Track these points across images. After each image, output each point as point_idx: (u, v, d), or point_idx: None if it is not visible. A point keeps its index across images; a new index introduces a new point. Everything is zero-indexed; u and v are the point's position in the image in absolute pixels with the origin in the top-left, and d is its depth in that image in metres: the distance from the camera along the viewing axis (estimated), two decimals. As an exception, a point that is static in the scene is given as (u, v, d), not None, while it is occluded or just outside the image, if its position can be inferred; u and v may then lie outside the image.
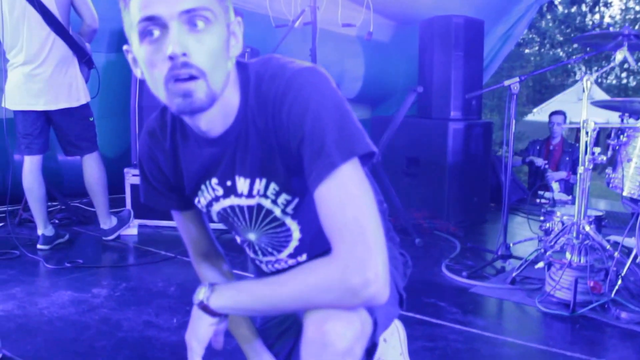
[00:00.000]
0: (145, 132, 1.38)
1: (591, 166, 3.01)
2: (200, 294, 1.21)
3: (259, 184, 1.25)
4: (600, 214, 3.49)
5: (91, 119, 3.78)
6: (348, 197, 1.09)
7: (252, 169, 1.24)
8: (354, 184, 1.10)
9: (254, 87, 1.19)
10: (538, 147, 6.53)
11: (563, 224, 3.31)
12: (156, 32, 1.07)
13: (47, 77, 3.50)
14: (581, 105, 3.03)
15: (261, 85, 1.18)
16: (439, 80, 4.97)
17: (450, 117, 4.88)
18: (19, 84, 3.51)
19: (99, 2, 3.73)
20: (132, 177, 4.34)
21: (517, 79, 3.46)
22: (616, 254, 2.84)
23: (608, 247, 2.92)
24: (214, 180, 1.30)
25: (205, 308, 1.20)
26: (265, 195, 1.27)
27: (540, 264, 3.05)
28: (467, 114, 4.99)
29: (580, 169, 3.01)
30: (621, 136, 3.06)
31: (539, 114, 12.55)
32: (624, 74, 19.69)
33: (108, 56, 4.96)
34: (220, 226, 1.49)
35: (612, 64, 3.16)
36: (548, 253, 3.00)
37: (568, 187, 5.87)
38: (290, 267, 1.38)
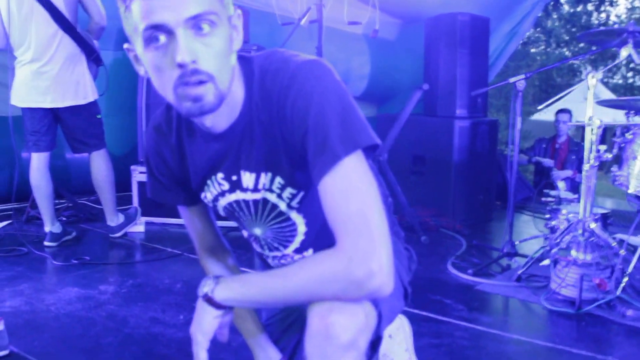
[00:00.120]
0: (151, 127, 1.38)
1: (596, 164, 3.00)
2: (205, 286, 1.21)
3: (264, 178, 1.26)
4: (606, 211, 3.48)
5: (99, 116, 3.78)
6: (352, 190, 1.10)
7: (257, 163, 1.25)
8: (357, 176, 1.11)
9: (258, 81, 1.20)
10: (544, 146, 6.51)
11: (569, 221, 3.30)
12: (162, 38, 1.06)
13: (54, 75, 3.51)
14: (587, 105, 3.02)
15: (265, 79, 1.19)
16: (445, 78, 4.96)
17: (456, 115, 4.88)
18: (26, 81, 3.52)
19: (106, 0, 3.74)
20: (139, 174, 4.35)
21: (523, 76, 3.45)
22: (622, 252, 2.84)
23: (614, 244, 2.91)
24: (220, 175, 1.31)
25: (210, 300, 1.20)
26: (270, 190, 1.27)
27: (546, 262, 3.05)
28: (473, 112, 4.98)
29: (586, 166, 3.00)
30: (627, 134, 3.05)
31: (545, 113, 12.50)
32: (630, 74, 19.64)
33: (115, 54, 4.97)
34: (228, 224, 1.50)
35: (617, 61, 3.15)
36: (554, 250, 3.00)
37: (574, 186, 5.85)
38: None
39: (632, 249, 2.97)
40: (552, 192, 3.86)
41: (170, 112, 1.34)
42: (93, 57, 3.70)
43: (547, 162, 6.29)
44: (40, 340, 2.33)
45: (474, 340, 2.47)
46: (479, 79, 4.99)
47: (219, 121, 1.21)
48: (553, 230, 3.48)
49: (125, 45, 1.18)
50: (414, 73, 6.12)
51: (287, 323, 1.61)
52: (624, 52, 2.98)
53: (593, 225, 2.96)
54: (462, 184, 4.82)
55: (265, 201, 1.30)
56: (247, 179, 1.28)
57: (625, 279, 2.76)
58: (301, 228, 1.36)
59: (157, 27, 1.05)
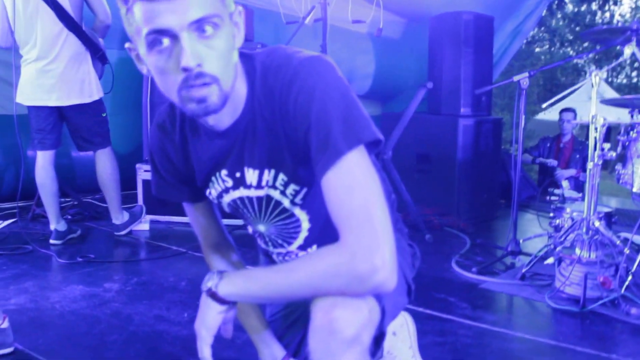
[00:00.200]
0: (155, 125, 1.39)
1: (600, 162, 2.99)
2: (209, 281, 1.21)
3: (268, 175, 1.26)
4: (610, 210, 3.48)
5: (104, 115, 3.79)
6: (354, 185, 1.10)
7: (261, 160, 1.25)
8: (360, 171, 1.11)
9: (260, 78, 1.20)
10: (548, 145, 6.51)
11: (573, 219, 3.30)
12: (166, 42, 1.06)
13: (59, 73, 3.52)
14: (591, 103, 3.02)
15: (267, 75, 1.19)
16: (449, 77, 4.96)
17: (460, 114, 4.87)
18: (31, 79, 3.53)
19: (111, -1, 3.75)
20: (144, 172, 4.35)
21: (527, 74, 3.44)
22: (626, 250, 2.84)
23: (618, 242, 2.91)
24: (224, 172, 1.32)
25: (213, 295, 1.20)
26: (274, 186, 1.28)
27: (550, 260, 3.04)
28: (477, 111, 4.97)
29: (590, 165, 3.00)
30: (631, 132, 3.05)
31: (549, 113, 12.50)
32: (634, 73, 19.62)
33: (120, 52, 4.96)
34: (233, 222, 1.50)
35: (620, 59, 3.15)
36: (558, 249, 3.00)
37: (578, 185, 5.84)
38: None
39: (636, 248, 2.97)
40: (557, 191, 3.85)
41: (174, 110, 1.34)
42: (98, 56, 3.70)
43: (551, 162, 6.29)
44: (45, 338, 2.34)
45: (478, 338, 2.46)
46: (483, 77, 4.98)
47: (222, 119, 1.21)
48: (557, 228, 3.48)
49: (127, 45, 1.19)
50: (418, 71, 6.13)
51: (291, 319, 1.61)
52: (627, 51, 2.98)
53: (597, 224, 2.95)
54: (466, 183, 4.82)
55: (268, 198, 1.30)
56: (251, 175, 1.28)
57: (630, 278, 2.75)
58: (305, 224, 1.36)
59: (161, 32, 1.05)
